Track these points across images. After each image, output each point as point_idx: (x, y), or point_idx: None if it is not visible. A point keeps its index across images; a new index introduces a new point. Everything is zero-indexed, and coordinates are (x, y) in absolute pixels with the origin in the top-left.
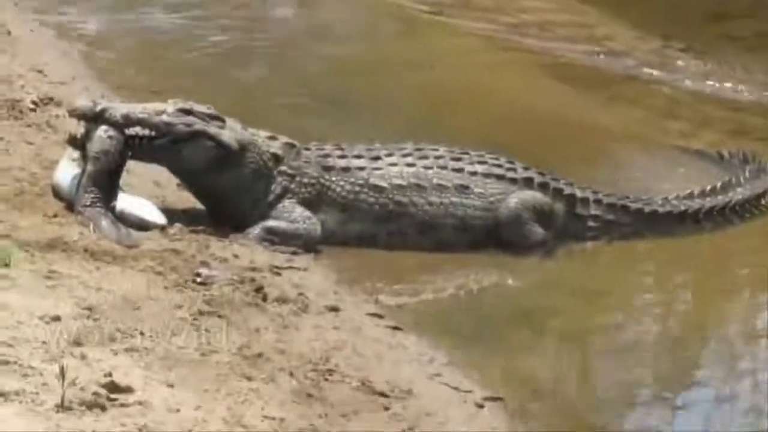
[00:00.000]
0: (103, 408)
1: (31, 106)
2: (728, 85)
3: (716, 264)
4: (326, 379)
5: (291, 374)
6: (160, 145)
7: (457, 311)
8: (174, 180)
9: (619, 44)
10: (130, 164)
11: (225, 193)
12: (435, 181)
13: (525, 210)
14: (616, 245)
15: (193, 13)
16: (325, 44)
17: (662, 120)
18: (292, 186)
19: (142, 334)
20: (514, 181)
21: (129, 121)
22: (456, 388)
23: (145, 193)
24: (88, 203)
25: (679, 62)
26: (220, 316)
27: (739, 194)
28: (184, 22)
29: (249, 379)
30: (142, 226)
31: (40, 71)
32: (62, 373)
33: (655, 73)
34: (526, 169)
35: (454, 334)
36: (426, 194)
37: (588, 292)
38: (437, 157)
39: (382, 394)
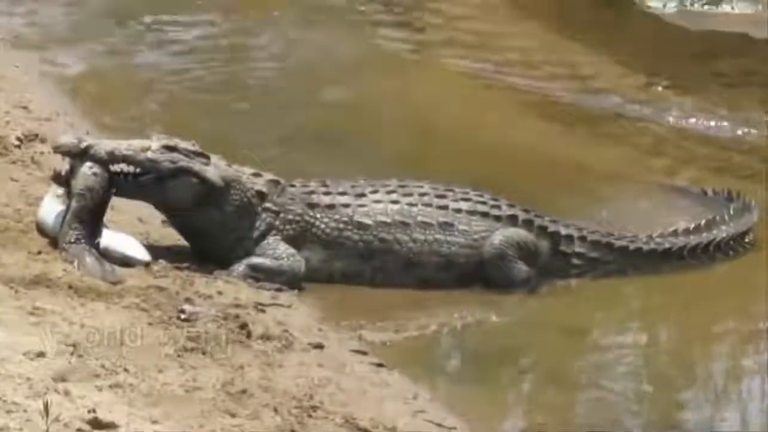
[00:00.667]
0: None
1: (16, 142)
2: (713, 122)
3: (701, 302)
4: (310, 416)
5: (275, 411)
6: (145, 182)
7: (441, 348)
8: (158, 216)
9: (603, 82)
10: (115, 201)
11: (209, 229)
12: (419, 218)
13: (509, 247)
14: (600, 283)
15: (179, 51)
16: (310, 81)
17: (647, 157)
18: (277, 223)
19: (126, 370)
20: (498, 218)
21: (114, 157)
22: (440, 425)
23: (130, 230)
24: (72, 240)
25: (664, 100)
26: (204, 353)
27: (723, 232)
28: (170, 60)
29: (233, 415)
30: (127, 262)
31: (24, 108)
32: (46, 410)
33: (640, 110)
34: (510, 206)
35: (438, 371)
36: (410, 231)
37: (572, 329)
38: (422, 194)
39: (366, 431)
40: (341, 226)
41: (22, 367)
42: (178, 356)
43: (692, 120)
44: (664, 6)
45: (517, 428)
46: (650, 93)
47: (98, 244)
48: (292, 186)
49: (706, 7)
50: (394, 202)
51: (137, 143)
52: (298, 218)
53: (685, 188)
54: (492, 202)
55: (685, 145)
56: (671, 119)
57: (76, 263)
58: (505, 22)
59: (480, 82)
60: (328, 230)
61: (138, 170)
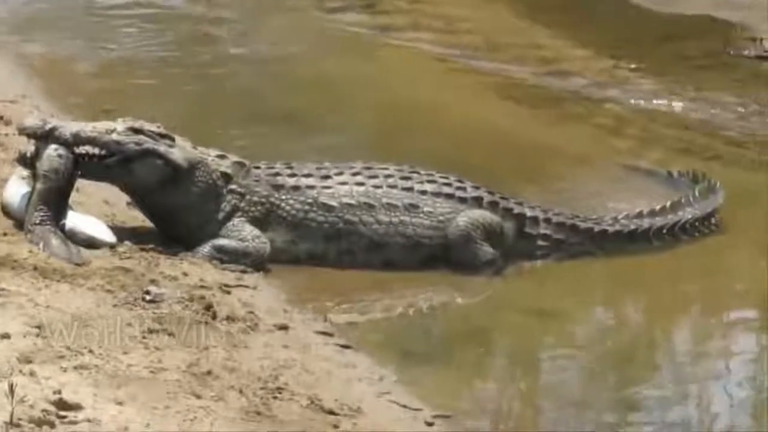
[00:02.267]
0: (52, 425)
1: None
2: (678, 104)
3: (666, 283)
4: (275, 397)
5: (240, 392)
6: (110, 164)
7: (407, 330)
8: (124, 198)
9: (568, 64)
10: (80, 182)
11: (175, 211)
12: (384, 200)
13: (474, 229)
14: (565, 264)
15: (145, 34)
16: (275, 64)
17: (612, 139)
18: (242, 204)
19: (91, 351)
20: (463, 200)
21: (79, 139)
22: (405, 407)
23: (95, 212)
24: (37, 221)
25: (629, 82)
26: (169, 334)
27: (688, 213)
28: (135, 43)
29: (198, 396)
30: (92, 244)
31: None
32: (11, 391)
33: (605, 92)
34: (475, 188)
35: (404, 352)
36: (375, 213)
37: (537, 311)
38: (387, 176)
39: (332, 412)
40: (306, 207)
41: None
42: (144, 338)
43: (657, 101)
44: None
45: (483, 410)
46: (615, 75)
47: (64, 225)
48: (257, 168)
49: None
50: (360, 183)
51: (102, 125)
52: (263, 200)
53: (650, 169)
54: (457, 184)
55: (650, 126)
56: (636, 101)
57: (41, 245)
58: (471, 6)
59: (446, 64)
60: (293, 212)
61: (103, 152)
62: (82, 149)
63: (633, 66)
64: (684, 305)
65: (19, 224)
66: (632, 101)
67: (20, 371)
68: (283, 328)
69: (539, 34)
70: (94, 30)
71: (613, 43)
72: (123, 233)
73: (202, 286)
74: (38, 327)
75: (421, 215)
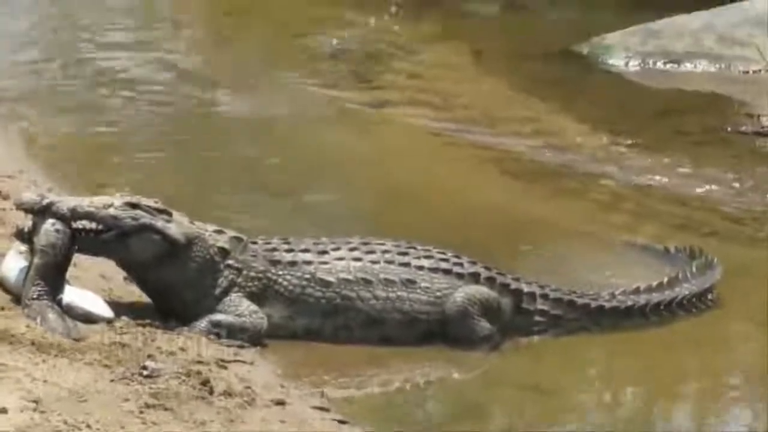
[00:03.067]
0: None
1: None
2: (675, 180)
3: (663, 359)
4: None
5: None
6: (107, 239)
7: (404, 405)
8: (121, 273)
9: (566, 139)
10: (77, 257)
11: (172, 286)
12: (382, 275)
13: (472, 305)
14: (562, 340)
15: (143, 110)
16: (271, 139)
17: (609, 214)
18: (239, 280)
19: (89, 426)
20: (460, 275)
21: (76, 214)
22: None
23: (92, 286)
24: (35, 296)
25: (626, 157)
26: (166, 409)
27: (686, 289)
28: (133, 118)
29: None
30: (89, 318)
31: None
32: None
33: (602, 167)
34: (472, 263)
35: (401, 427)
36: (373, 288)
37: (534, 386)
38: (384, 252)
39: None
40: (303, 283)
41: None
42: (141, 412)
43: (654, 177)
44: (627, 64)
45: None
46: (612, 150)
47: (61, 300)
48: (255, 243)
49: (668, 65)
50: (357, 259)
51: (99, 200)
52: (260, 275)
53: (647, 245)
54: (454, 260)
55: (647, 202)
56: (633, 176)
57: (38, 319)
58: (467, 80)
59: (442, 138)
60: (290, 287)
61: (100, 227)
62: (79, 224)
63: (630, 141)
64: (682, 381)
65: (17, 299)
66: (628, 177)
67: None
68: (280, 403)
69: (536, 109)
70: (92, 104)
71: (609, 119)
72: (120, 308)
73: (199, 361)
74: (35, 402)
75: (419, 291)
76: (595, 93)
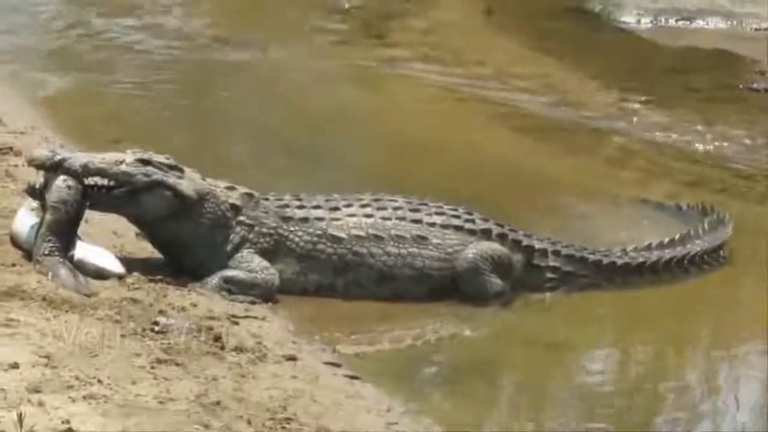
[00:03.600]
0: None
1: None
2: (687, 136)
3: (674, 315)
4: (284, 428)
5: (249, 422)
6: (119, 195)
7: (415, 361)
8: (132, 229)
9: (577, 96)
10: (89, 213)
11: (183, 242)
12: (393, 231)
13: (483, 261)
14: (574, 297)
15: (155, 66)
16: (283, 96)
17: (621, 171)
18: (251, 236)
19: (100, 381)
20: (472, 232)
21: (88, 170)
22: None
23: (104, 243)
24: (46, 252)
25: (638, 114)
26: (177, 365)
27: (697, 246)
28: (145, 75)
29: (207, 427)
30: (101, 274)
31: None
32: (20, 420)
33: (613, 124)
34: (484, 220)
35: (412, 383)
36: (384, 245)
37: (545, 343)
38: (395, 208)
39: None
40: (315, 239)
41: None
42: (152, 368)
43: (666, 134)
44: (638, 21)
45: None
46: (623, 107)
47: (72, 256)
48: (266, 199)
49: (680, 22)
50: (368, 215)
51: (111, 156)
52: (271, 231)
53: (659, 202)
54: (466, 216)
55: (658, 159)
56: (645, 133)
57: (50, 275)
58: (480, 37)
59: (453, 95)
60: (302, 243)
61: (112, 183)
62: (90, 180)
63: (641, 98)
64: (692, 337)
65: (28, 255)
66: (641, 134)
67: (29, 401)
68: (292, 359)
69: (547, 66)
70: (104, 62)
71: (621, 75)
72: (132, 264)
73: (210, 317)
74: (47, 357)
75: (430, 247)
76: (607, 50)
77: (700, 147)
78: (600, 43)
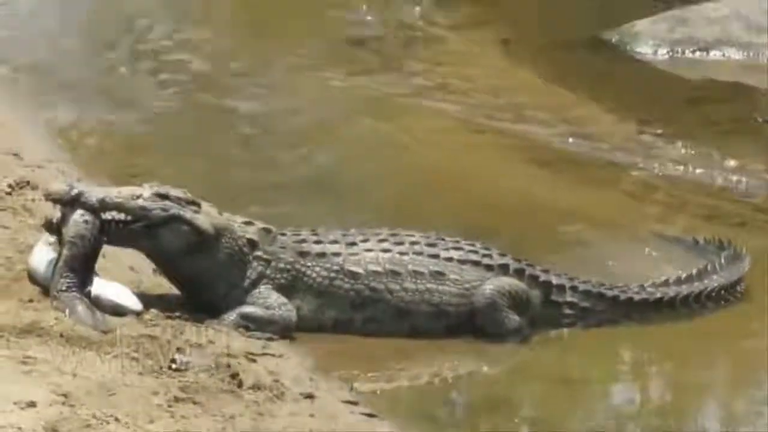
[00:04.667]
0: None
1: (7, 189)
2: (704, 169)
3: (693, 351)
4: None
5: None
6: (136, 230)
7: (432, 398)
8: (150, 265)
9: (594, 128)
10: (106, 249)
11: (200, 278)
12: (410, 267)
13: (501, 297)
14: (591, 332)
15: (173, 100)
16: (299, 127)
17: (637, 205)
18: (268, 272)
19: (117, 420)
20: (490, 267)
21: (105, 205)
22: None
23: (121, 278)
24: (63, 288)
25: (655, 147)
26: (195, 403)
27: (715, 281)
28: (163, 108)
29: None
30: (118, 311)
31: (15, 155)
32: None
33: (631, 157)
34: (501, 255)
35: (429, 421)
36: (402, 280)
37: (563, 379)
38: (413, 243)
39: None
40: (332, 275)
41: (13, 417)
42: (170, 406)
43: (683, 167)
44: (655, 52)
45: None
46: (641, 139)
47: (89, 292)
48: (283, 234)
49: (697, 53)
50: (386, 250)
51: (128, 190)
52: (289, 267)
53: (676, 236)
54: (483, 251)
55: (676, 192)
56: (662, 166)
57: (67, 312)
58: (497, 68)
59: (472, 126)
60: (319, 279)
61: (129, 218)
62: (108, 215)
63: (658, 131)
64: (711, 373)
65: (46, 291)
66: (658, 167)
67: None
68: (309, 396)
69: (564, 97)
70: (122, 95)
71: (638, 107)
72: (149, 300)
73: (228, 354)
74: (64, 395)
75: (448, 283)
76: (624, 82)
77: (717, 180)
78: (617, 75)
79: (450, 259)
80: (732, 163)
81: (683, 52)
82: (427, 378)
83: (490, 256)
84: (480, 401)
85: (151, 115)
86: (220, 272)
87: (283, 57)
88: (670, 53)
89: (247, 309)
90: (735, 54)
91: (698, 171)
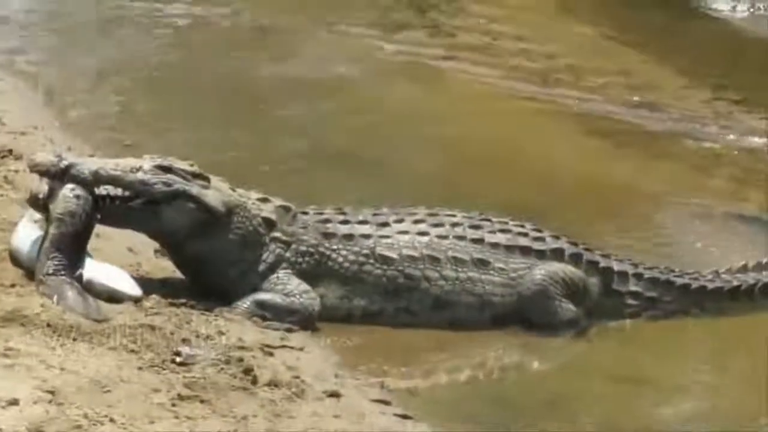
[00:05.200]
0: None
1: None
2: None
3: None
4: None
5: None
6: (135, 207)
7: (475, 397)
8: (151, 245)
9: (663, 95)
10: (100, 228)
11: (209, 261)
12: (450, 253)
13: (553, 284)
14: (658, 325)
15: (176, 55)
16: (326, 93)
17: (711, 181)
18: (287, 255)
19: (112, 420)
20: (541, 253)
21: (99, 178)
22: None
23: (117, 261)
24: (51, 271)
25: (732, 116)
26: (202, 401)
27: None
28: (165, 68)
29: None
30: (114, 297)
31: None
32: None
33: (704, 128)
34: (555, 238)
35: (471, 423)
36: (440, 267)
37: (626, 378)
38: (454, 225)
39: None
40: (361, 259)
41: None
42: (173, 405)
43: (763, 139)
44: (734, 9)
45: None
46: (716, 108)
47: (81, 276)
48: (305, 213)
49: None
50: (423, 233)
51: (126, 162)
52: (311, 250)
53: (755, 216)
54: (534, 234)
55: (755, 166)
56: (739, 138)
57: (55, 298)
58: (549, 26)
59: (522, 94)
60: (346, 264)
61: (127, 193)
62: (102, 190)
63: (736, 98)
64: None
65: (30, 274)
66: (735, 139)
67: None
68: (334, 395)
69: (629, 60)
70: (117, 55)
71: (713, 72)
72: (149, 285)
73: (240, 347)
74: (51, 392)
75: (493, 272)
76: (697, 42)
77: None
78: (689, 34)
79: (496, 245)
80: None
81: (766, 9)
82: (468, 374)
83: (542, 239)
84: (529, 402)
85: (155, 76)
86: (231, 255)
87: (311, 11)
88: (751, 10)
89: (264, 296)
90: None
91: None
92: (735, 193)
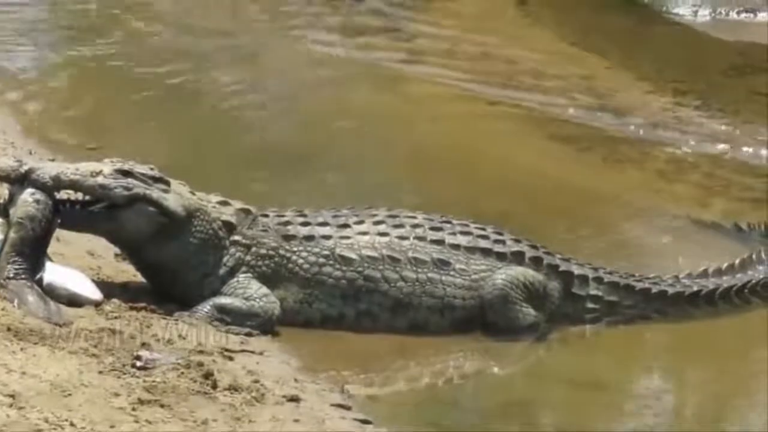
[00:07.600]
0: None
1: None
2: (749, 147)
3: (734, 353)
4: None
5: None
6: (95, 212)
7: (435, 403)
8: (112, 249)
9: (624, 99)
10: (61, 232)
11: (169, 265)
12: (411, 254)
13: (514, 288)
14: (618, 330)
15: (137, 64)
16: (285, 97)
17: (673, 187)
18: (247, 258)
19: (72, 425)
20: (502, 256)
21: (59, 183)
22: None
23: (78, 264)
24: (11, 275)
25: (693, 121)
26: (162, 406)
27: (760, 273)
28: (125, 74)
29: None
30: (74, 301)
31: None
32: None
33: (665, 133)
34: (516, 241)
35: (431, 428)
36: (401, 269)
37: (586, 383)
38: (414, 226)
39: None
40: (321, 260)
41: None
42: (134, 409)
43: (725, 145)
44: (695, 14)
45: None
46: (677, 113)
47: (41, 279)
48: (265, 216)
49: (742, 15)
50: (383, 234)
51: (86, 167)
52: (271, 252)
53: (716, 222)
54: (495, 237)
55: (716, 172)
56: (702, 143)
57: (16, 302)
58: (512, 30)
59: (483, 98)
60: (306, 265)
61: (87, 198)
62: (62, 194)
63: (697, 103)
64: (754, 378)
65: None
66: (697, 143)
67: None
68: (294, 399)
69: (590, 65)
70: (79, 59)
71: (675, 76)
72: (110, 289)
73: (200, 351)
74: (11, 396)
75: (453, 273)
76: (659, 47)
77: (764, 159)
78: (651, 39)
79: (457, 246)
80: None
81: (727, 14)
82: (429, 380)
83: (502, 242)
84: (490, 407)
85: (115, 81)
86: (192, 259)
87: (265, 16)
88: (712, 15)
89: (224, 300)
90: None
91: (742, 149)
92: (696, 198)
